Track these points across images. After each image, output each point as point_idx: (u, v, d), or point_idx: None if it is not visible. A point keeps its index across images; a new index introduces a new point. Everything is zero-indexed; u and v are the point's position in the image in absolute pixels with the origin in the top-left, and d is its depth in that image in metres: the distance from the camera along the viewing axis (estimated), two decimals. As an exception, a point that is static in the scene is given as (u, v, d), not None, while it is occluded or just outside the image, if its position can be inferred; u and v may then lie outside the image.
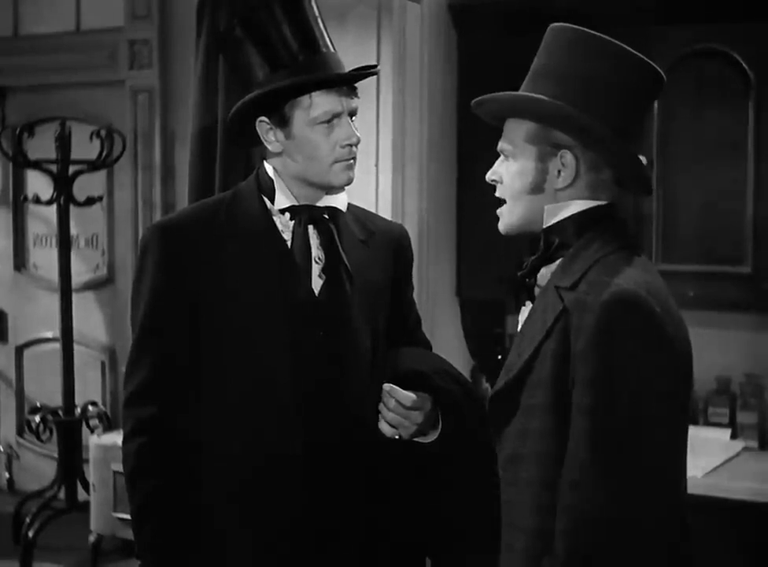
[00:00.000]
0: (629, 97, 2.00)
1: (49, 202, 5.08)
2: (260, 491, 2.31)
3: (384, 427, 2.29)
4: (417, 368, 2.34)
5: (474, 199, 4.21)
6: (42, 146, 5.18)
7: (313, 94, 2.25)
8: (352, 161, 2.30)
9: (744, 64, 3.66)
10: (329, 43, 2.32)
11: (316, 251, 2.34)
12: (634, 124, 2.03)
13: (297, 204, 2.33)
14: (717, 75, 3.59)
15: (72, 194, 5.07)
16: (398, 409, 2.26)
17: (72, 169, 5.07)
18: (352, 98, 2.29)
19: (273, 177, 2.34)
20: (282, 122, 2.28)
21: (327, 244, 2.34)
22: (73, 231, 5.24)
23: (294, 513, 2.30)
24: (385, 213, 3.75)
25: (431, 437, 2.33)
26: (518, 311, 2.13)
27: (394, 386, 2.27)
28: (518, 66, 3.82)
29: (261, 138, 2.32)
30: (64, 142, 5.03)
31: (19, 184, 5.80)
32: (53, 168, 5.06)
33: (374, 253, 2.42)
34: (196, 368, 2.31)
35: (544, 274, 2.05)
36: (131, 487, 2.32)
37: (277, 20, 2.27)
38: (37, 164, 5.11)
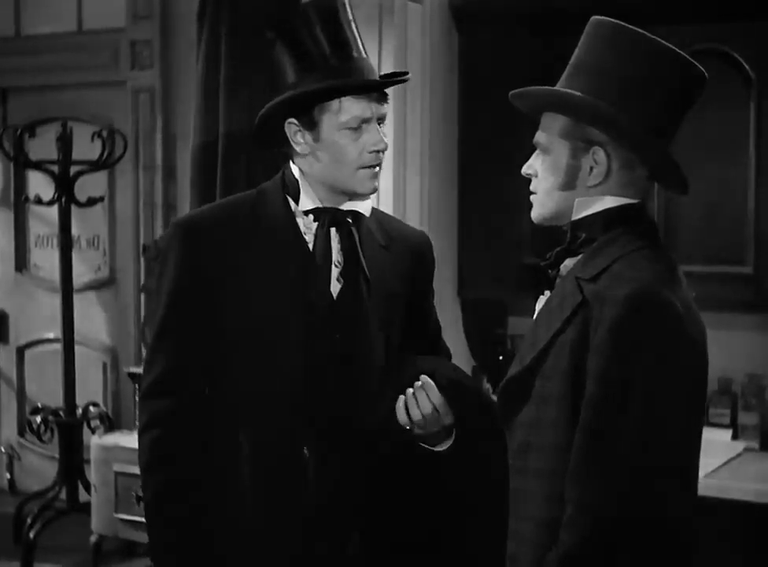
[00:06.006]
0: (667, 95, 1.98)
1: (50, 203, 5.08)
2: (270, 488, 2.32)
3: (401, 413, 2.28)
4: (451, 376, 2.33)
5: (475, 200, 4.21)
6: (43, 146, 5.20)
7: (343, 99, 2.25)
8: (377, 168, 2.30)
9: (745, 64, 3.67)
10: (361, 48, 2.32)
11: (336, 255, 2.34)
12: (672, 124, 2.01)
13: (321, 206, 2.34)
14: (718, 75, 3.58)
15: (73, 195, 5.07)
16: (425, 402, 2.25)
17: (73, 170, 5.07)
18: (382, 104, 2.29)
19: (298, 178, 2.35)
20: (310, 125, 2.28)
21: (348, 248, 2.34)
22: (74, 231, 5.24)
23: (302, 511, 2.31)
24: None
25: (442, 446, 2.33)
26: (536, 300, 2.12)
27: (431, 381, 2.26)
28: (519, 66, 3.86)
29: (289, 139, 2.32)
30: (65, 142, 5.03)
31: (20, 185, 5.80)
32: (55, 168, 5.06)
33: (393, 259, 2.42)
34: (212, 363, 2.32)
35: (567, 265, 2.04)
36: (144, 479, 2.34)
37: (311, 23, 2.28)
38: (38, 165, 5.12)
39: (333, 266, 2.33)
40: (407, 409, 2.27)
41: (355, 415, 2.33)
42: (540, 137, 2.06)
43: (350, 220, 2.35)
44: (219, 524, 2.34)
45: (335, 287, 2.34)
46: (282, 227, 2.34)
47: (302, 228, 2.35)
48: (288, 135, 2.32)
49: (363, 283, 2.34)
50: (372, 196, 2.38)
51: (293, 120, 2.30)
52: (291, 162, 2.37)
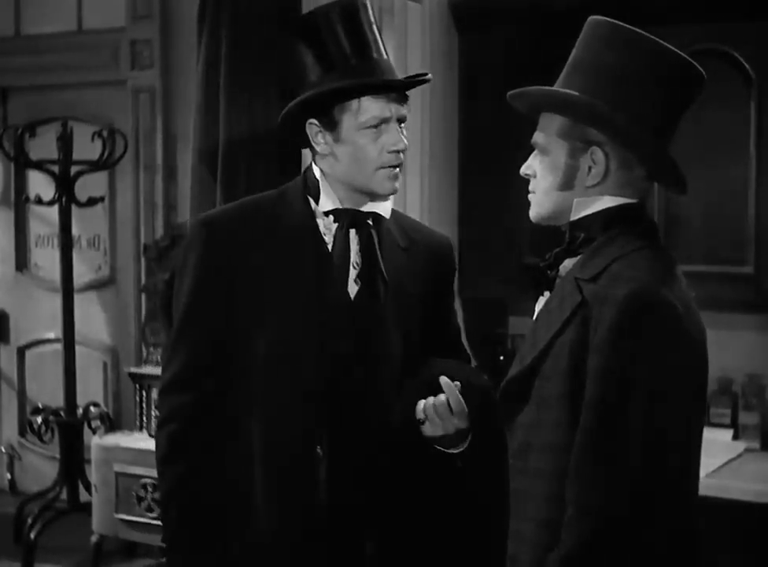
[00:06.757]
0: (665, 95, 1.98)
1: (50, 203, 5.09)
2: (281, 487, 2.33)
3: (419, 410, 2.28)
4: (467, 379, 2.33)
5: (475, 200, 4.21)
6: (43, 146, 5.21)
7: (362, 98, 2.26)
8: (397, 168, 2.31)
9: (745, 64, 3.67)
10: (382, 49, 2.33)
11: (355, 256, 2.35)
12: (670, 123, 2.01)
13: (341, 207, 2.35)
14: (718, 75, 3.58)
15: (73, 195, 5.08)
16: (442, 404, 2.25)
17: (73, 170, 5.08)
18: (402, 105, 2.30)
19: (319, 179, 2.36)
20: (330, 125, 2.29)
21: (366, 250, 2.35)
22: (75, 231, 5.25)
23: (314, 511, 2.32)
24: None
25: (457, 449, 2.33)
26: (536, 300, 2.12)
27: (452, 383, 2.25)
28: (519, 65, 3.85)
29: (310, 139, 2.33)
30: (65, 142, 5.03)
31: (20, 185, 5.81)
32: (55, 168, 5.07)
33: (413, 262, 2.42)
34: (230, 361, 2.34)
35: (567, 266, 2.04)
36: (160, 473, 2.37)
37: (332, 23, 2.29)
38: (39, 165, 5.12)
39: (351, 267, 2.34)
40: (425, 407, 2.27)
41: (369, 416, 2.34)
42: (538, 137, 2.05)
43: (370, 222, 2.36)
44: (231, 521, 2.36)
45: (353, 289, 2.35)
46: (302, 228, 2.35)
47: (322, 229, 2.36)
48: (309, 135, 2.33)
49: (381, 285, 2.35)
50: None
51: (313, 120, 2.31)
52: (313, 163, 2.39)
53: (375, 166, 2.29)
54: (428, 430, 2.28)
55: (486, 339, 4.42)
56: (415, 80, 2.36)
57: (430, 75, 2.39)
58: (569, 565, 1.86)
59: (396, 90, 2.30)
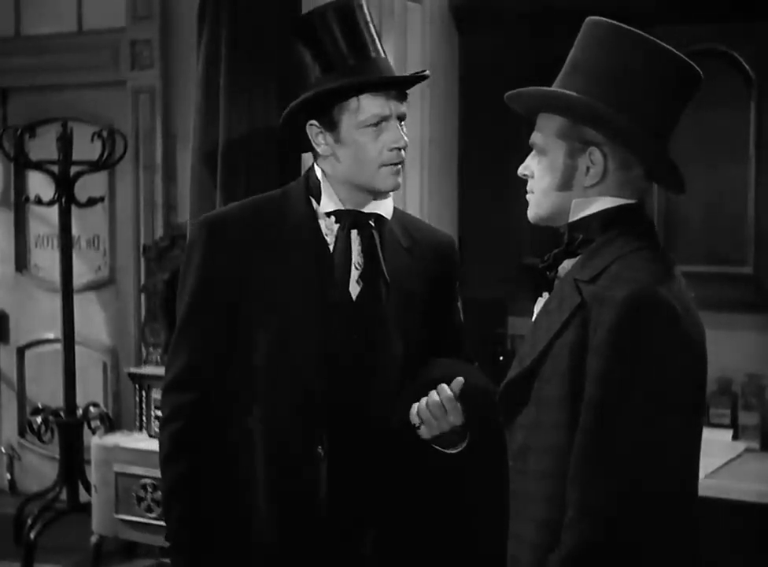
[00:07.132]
0: (663, 95, 1.98)
1: (50, 203, 5.09)
2: (282, 487, 2.34)
3: (413, 413, 2.28)
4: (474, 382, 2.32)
5: (475, 200, 4.21)
6: (43, 146, 5.20)
7: (361, 97, 2.27)
8: (399, 165, 2.32)
9: (745, 64, 3.67)
10: (380, 48, 2.34)
11: (357, 257, 2.35)
12: (669, 124, 2.01)
13: (342, 208, 2.35)
14: (718, 75, 3.59)
15: (73, 195, 5.07)
16: (435, 404, 2.25)
17: (73, 170, 5.07)
18: (401, 103, 2.31)
19: (321, 180, 2.37)
20: (330, 125, 2.30)
21: (368, 251, 2.36)
22: (75, 231, 5.24)
23: (316, 511, 2.33)
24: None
25: (455, 449, 2.34)
26: (535, 301, 2.11)
27: (445, 385, 2.25)
28: (519, 66, 3.85)
29: (311, 141, 2.34)
30: (65, 142, 5.03)
31: (20, 185, 5.81)
32: (55, 168, 5.06)
33: (415, 261, 2.43)
34: (232, 360, 2.35)
35: (566, 267, 2.04)
36: (162, 472, 2.39)
37: (329, 24, 2.30)
38: (38, 165, 5.12)
39: (353, 268, 2.35)
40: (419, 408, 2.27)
41: (370, 416, 2.35)
42: (536, 138, 2.05)
43: (372, 223, 2.36)
44: (232, 520, 2.37)
45: (354, 289, 2.35)
46: (304, 228, 2.36)
47: (324, 230, 2.36)
48: (310, 137, 2.34)
49: (383, 286, 2.35)
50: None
51: (314, 121, 2.32)
52: (315, 164, 2.40)
53: (377, 164, 2.29)
54: (425, 433, 2.28)
55: (486, 339, 4.42)
56: (413, 77, 2.36)
57: (428, 72, 2.40)
58: (569, 565, 1.86)
59: (395, 88, 2.30)
